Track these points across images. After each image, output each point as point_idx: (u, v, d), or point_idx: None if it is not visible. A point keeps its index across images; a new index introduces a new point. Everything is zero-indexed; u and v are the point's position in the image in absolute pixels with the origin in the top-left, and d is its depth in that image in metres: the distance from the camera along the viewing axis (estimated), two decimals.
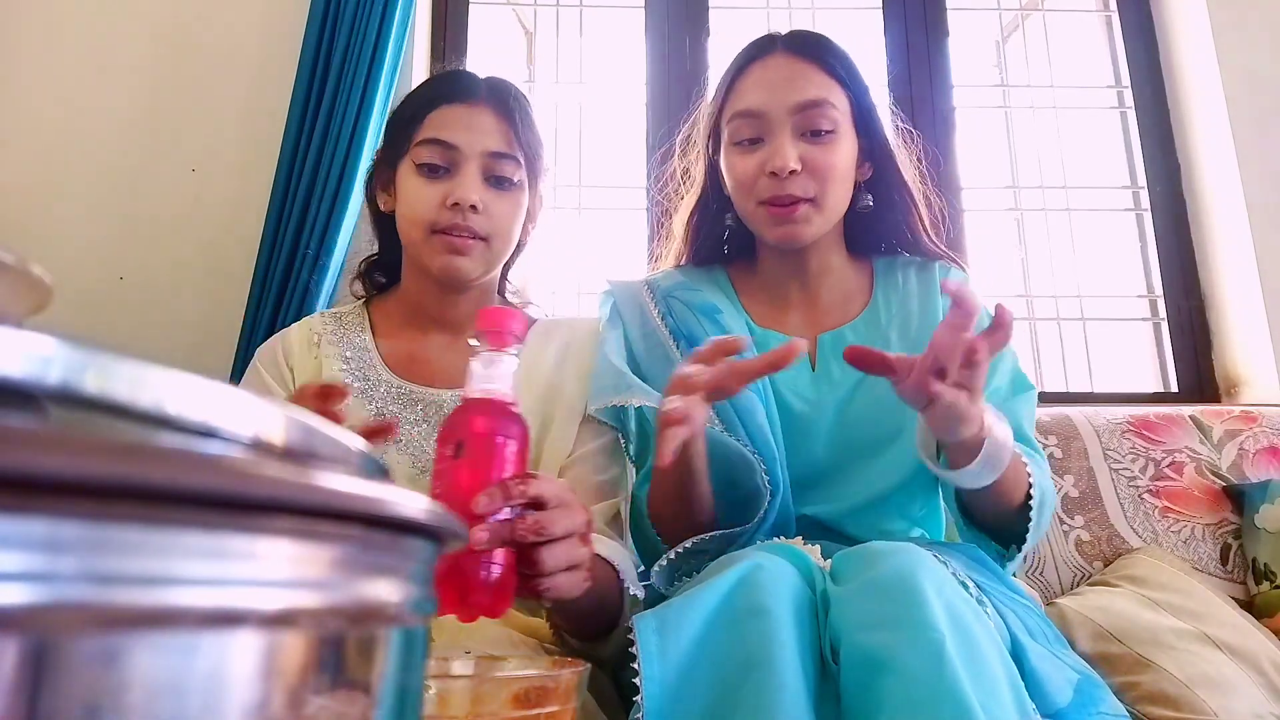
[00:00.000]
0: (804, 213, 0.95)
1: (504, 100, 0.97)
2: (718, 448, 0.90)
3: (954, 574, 0.72)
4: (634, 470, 1.04)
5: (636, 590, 0.85)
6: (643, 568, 0.97)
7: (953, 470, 0.80)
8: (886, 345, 0.99)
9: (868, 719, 0.60)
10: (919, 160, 1.09)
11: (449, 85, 0.98)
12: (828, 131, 0.95)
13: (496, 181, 0.95)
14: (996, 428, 0.79)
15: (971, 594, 0.70)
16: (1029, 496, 0.87)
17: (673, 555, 0.88)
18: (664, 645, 0.65)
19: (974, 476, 0.79)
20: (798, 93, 0.95)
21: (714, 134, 1.04)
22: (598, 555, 0.81)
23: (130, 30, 1.69)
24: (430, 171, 0.94)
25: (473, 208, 0.92)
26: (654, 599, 0.90)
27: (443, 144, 0.94)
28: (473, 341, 0.64)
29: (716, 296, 1.05)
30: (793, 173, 0.93)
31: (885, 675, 0.60)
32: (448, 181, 0.93)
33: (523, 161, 0.97)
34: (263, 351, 1.01)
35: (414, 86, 1.68)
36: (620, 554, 0.87)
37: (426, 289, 0.99)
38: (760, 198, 0.96)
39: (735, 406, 0.94)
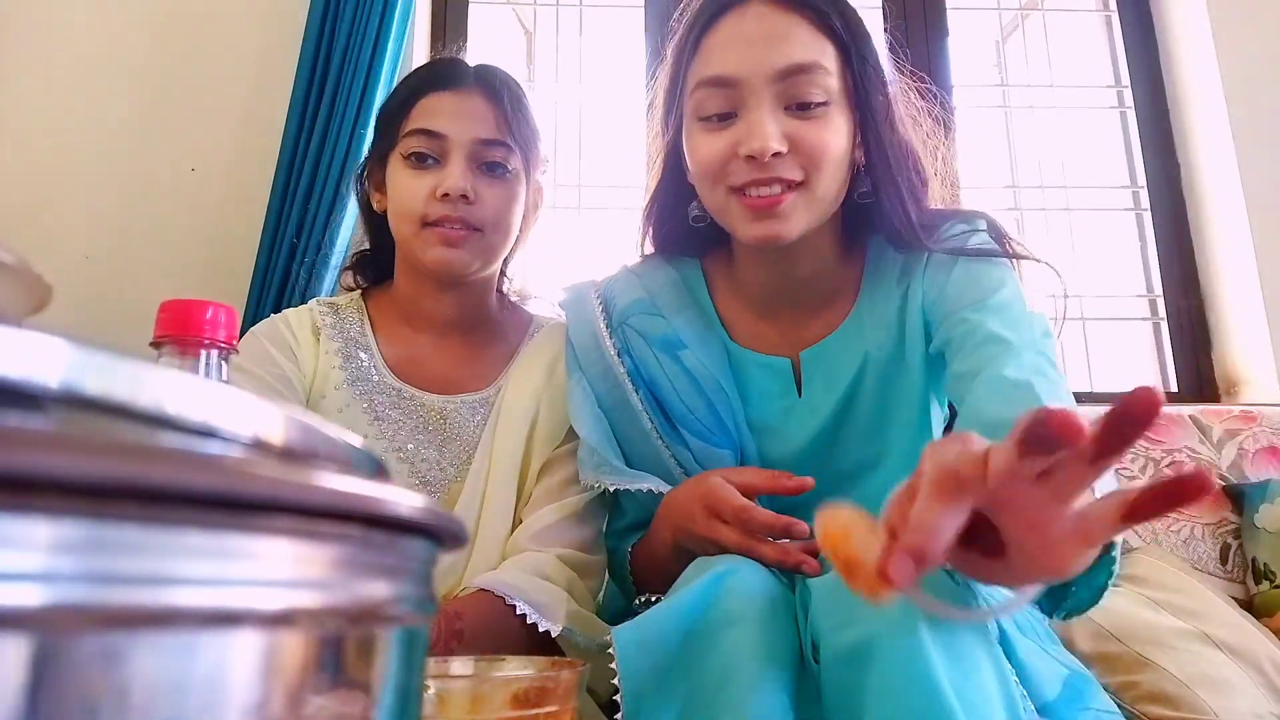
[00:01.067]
0: (790, 204, 0.76)
1: (493, 85, 0.93)
2: None
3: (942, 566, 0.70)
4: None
5: (546, 624, 0.79)
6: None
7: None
8: (864, 356, 0.86)
9: (851, 715, 0.60)
10: (925, 126, 0.89)
11: (435, 73, 0.94)
12: (819, 104, 0.76)
13: (489, 169, 0.91)
14: None
15: (958, 582, 0.66)
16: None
17: (653, 599, 0.83)
18: (642, 656, 0.64)
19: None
20: (781, 55, 0.76)
21: (675, 105, 0.85)
22: (480, 592, 0.80)
23: (130, 30, 1.69)
24: (418, 162, 0.90)
25: (463, 197, 0.88)
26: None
27: (430, 133, 0.89)
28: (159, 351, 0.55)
29: (685, 309, 0.91)
30: (776, 154, 0.75)
31: (865, 669, 0.59)
32: (437, 172, 0.89)
33: (516, 149, 0.92)
34: (267, 330, 0.95)
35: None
36: (524, 583, 0.82)
37: (421, 287, 0.95)
38: (733, 182, 0.77)
39: (701, 459, 0.87)
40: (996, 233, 0.86)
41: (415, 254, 0.91)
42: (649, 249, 0.97)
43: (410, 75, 0.99)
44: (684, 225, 0.90)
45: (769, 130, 0.74)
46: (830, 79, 0.77)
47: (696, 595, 0.67)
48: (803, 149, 0.76)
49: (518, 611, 0.79)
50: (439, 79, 0.93)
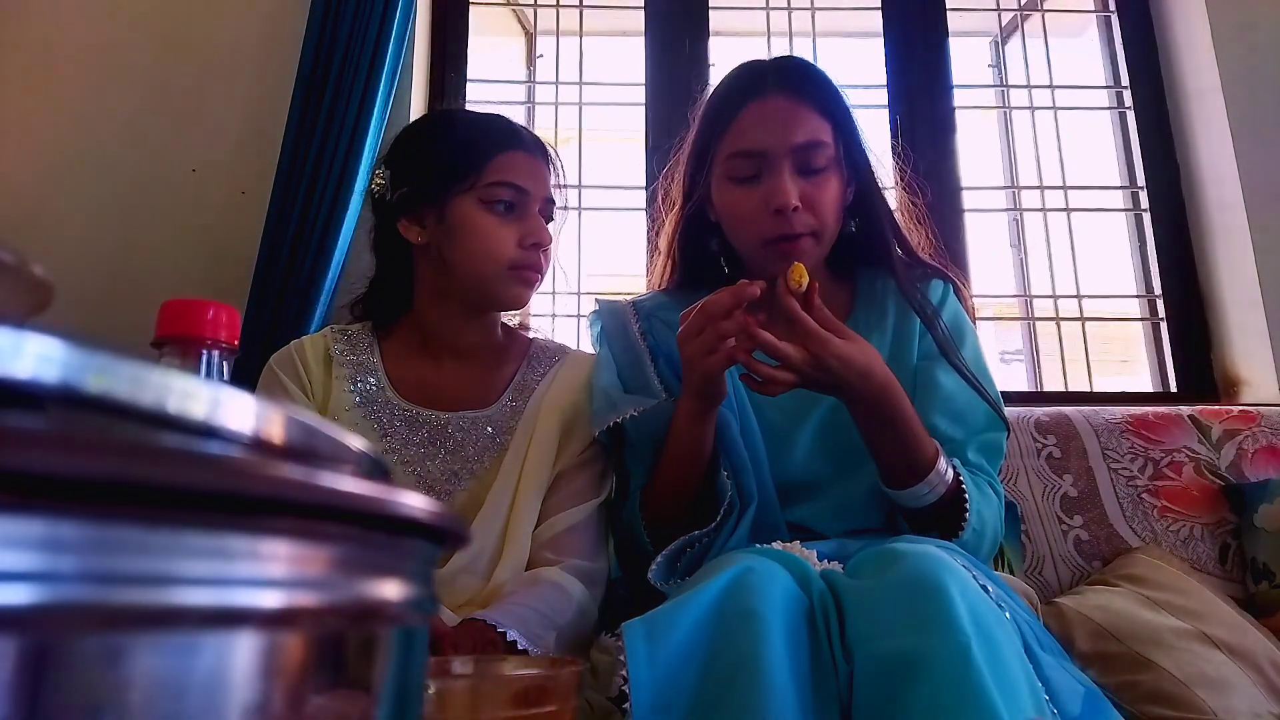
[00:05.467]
0: (807, 247, 0.98)
1: (549, 153, 1.07)
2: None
3: (974, 577, 0.72)
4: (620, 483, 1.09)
5: (535, 649, 0.83)
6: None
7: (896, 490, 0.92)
8: None
9: None
10: (904, 175, 1.15)
11: (511, 133, 1.04)
12: (821, 169, 0.99)
13: (547, 221, 1.05)
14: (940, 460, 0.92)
15: (991, 596, 0.70)
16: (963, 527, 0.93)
17: (660, 560, 0.90)
18: (652, 650, 0.65)
19: (916, 496, 0.91)
20: (796, 134, 0.98)
21: (704, 164, 1.05)
22: (472, 622, 0.83)
23: (131, 31, 1.69)
24: (503, 210, 1.00)
25: (545, 247, 1.02)
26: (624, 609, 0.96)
27: (516, 187, 1.00)
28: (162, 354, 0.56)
29: None
30: (794, 209, 0.97)
31: (912, 679, 0.60)
32: (517, 222, 1.01)
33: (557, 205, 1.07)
34: (280, 359, 1.04)
35: (412, 92, 1.68)
36: (517, 611, 0.86)
37: (446, 318, 1.04)
38: (767, 237, 0.98)
39: None
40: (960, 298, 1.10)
41: (493, 291, 1.01)
42: (671, 277, 1.15)
43: (478, 128, 1.05)
44: (703, 258, 1.10)
45: (790, 189, 0.97)
46: (830, 150, 1.00)
47: (712, 591, 0.69)
48: (811, 203, 0.98)
49: (510, 638, 0.83)
50: (515, 140, 1.03)
